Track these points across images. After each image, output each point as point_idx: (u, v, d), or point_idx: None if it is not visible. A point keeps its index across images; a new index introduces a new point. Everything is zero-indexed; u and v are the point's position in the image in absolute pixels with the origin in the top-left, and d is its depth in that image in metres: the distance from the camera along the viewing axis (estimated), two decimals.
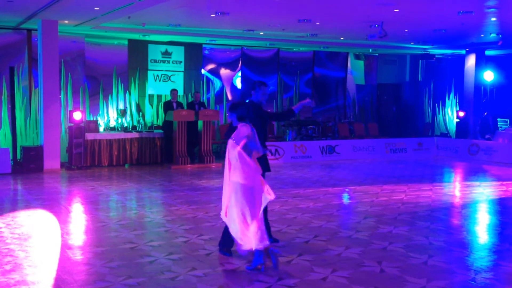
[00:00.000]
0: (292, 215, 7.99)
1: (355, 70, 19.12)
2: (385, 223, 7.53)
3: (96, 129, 13.31)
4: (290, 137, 15.72)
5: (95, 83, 14.57)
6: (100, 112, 14.53)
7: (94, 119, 14.12)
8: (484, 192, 10.27)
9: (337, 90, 18.73)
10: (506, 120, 17.98)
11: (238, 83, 16.84)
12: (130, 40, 14.94)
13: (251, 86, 6.35)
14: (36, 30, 13.00)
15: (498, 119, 18.24)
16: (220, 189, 10.19)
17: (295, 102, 17.59)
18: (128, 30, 13.56)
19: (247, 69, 16.92)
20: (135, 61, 15.09)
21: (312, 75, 18.12)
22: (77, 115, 12.54)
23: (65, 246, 6.27)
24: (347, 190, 10.34)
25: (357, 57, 19.10)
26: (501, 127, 17.83)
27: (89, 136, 12.93)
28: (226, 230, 5.73)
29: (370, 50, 18.53)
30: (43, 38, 12.27)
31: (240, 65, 16.82)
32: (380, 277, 5.26)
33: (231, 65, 16.74)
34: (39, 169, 12.25)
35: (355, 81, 19.08)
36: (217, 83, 16.51)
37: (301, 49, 17.76)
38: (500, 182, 11.48)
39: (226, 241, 5.81)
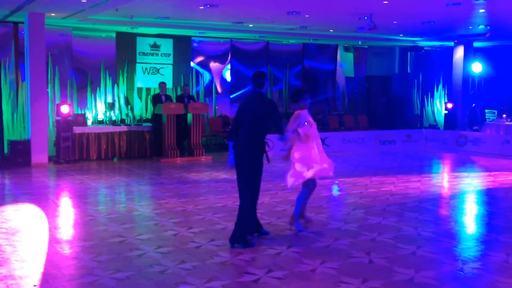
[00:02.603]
0: (282, 207, 8.01)
1: (345, 62, 19.13)
2: (374, 214, 7.56)
3: (84, 122, 13.21)
4: None
5: (83, 76, 14.44)
6: (88, 106, 14.43)
7: (82, 112, 14.01)
8: (472, 183, 10.34)
9: (327, 82, 18.73)
10: (494, 111, 18.08)
11: (227, 76, 16.78)
12: (118, 33, 14.82)
13: (262, 76, 6.21)
14: (22, 23, 12.83)
15: (486, 111, 18.36)
16: (209, 182, 10.21)
17: (284, 94, 17.59)
18: (116, 23, 13.44)
19: (237, 62, 16.86)
20: (123, 54, 14.98)
21: (301, 68, 18.10)
22: (65, 109, 12.44)
23: (53, 240, 6.24)
24: (336, 182, 10.36)
25: (347, 49, 19.10)
26: (489, 118, 17.94)
27: (77, 130, 12.83)
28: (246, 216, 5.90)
29: (360, 43, 18.53)
30: (30, 31, 12.13)
31: (229, 57, 16.76)
32: (369, 268, 5.28)
33: (221, 58, 16.68)
34: (26, 163, 12.15)
35: (344, 73, 19.09)
36: (206, 76, 16.44)
37: (290, 41, 17.73)
38: (488, 173, 11.56)
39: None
